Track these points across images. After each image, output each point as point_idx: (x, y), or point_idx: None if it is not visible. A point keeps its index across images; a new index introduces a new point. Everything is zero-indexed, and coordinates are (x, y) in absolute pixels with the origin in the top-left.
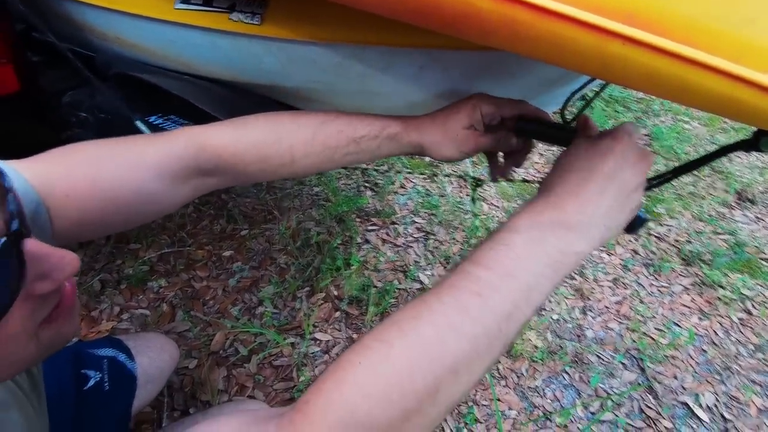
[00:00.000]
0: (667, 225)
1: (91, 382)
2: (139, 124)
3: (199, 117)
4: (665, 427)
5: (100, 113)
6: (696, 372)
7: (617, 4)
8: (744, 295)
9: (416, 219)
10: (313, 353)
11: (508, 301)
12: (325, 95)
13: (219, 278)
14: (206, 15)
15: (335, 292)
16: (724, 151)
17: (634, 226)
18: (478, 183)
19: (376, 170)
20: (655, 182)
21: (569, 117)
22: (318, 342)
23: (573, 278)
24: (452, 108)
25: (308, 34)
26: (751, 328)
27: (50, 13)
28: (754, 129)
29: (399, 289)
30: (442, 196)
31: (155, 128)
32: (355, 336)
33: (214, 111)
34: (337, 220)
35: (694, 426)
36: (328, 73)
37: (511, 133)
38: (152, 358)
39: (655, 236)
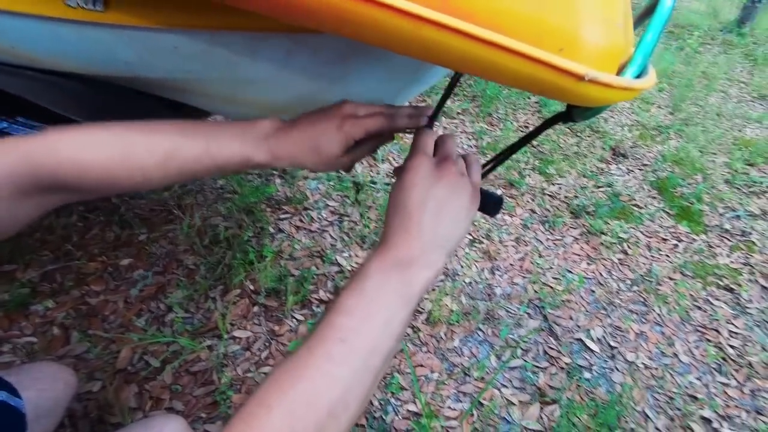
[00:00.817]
0: (558, 184)
1: None
2: None
3: (50, 117)
4: (565, 363)
5: None
6: (587, 311)
7: None
8: (621, 238)
9: (329, 202)
10: (233, 352)
11: (369, 339)
12: (196, 85)
13: (118, 290)
14: (39, 1)
15: (251, 287)
16: (545, 125)
17: (491, 209)
18: (358, 188)
19: None
20: (488, 169)
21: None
22: (237, 340)
23: (481, 242)
24: (321, 134)
25: (161, 21)
26: (628, 265)
27: None
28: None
29: (317, 274)
30: (353, 176)
31: (1, 134)
32: (276, 328)
33: (67, 109)
34: (246, 212)
35: (588, 357)
36: (193, 61)
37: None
38: (43, 390)
39: (549, 195)
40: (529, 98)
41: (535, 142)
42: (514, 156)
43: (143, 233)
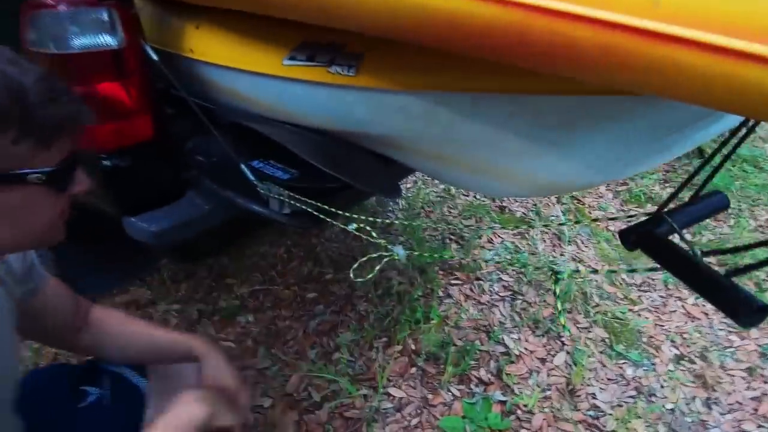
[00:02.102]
0: None
1: (91, 398)
2: (243, 168)
3: (292, 161)
4: None
5: (212, 158)
6: None
7: (751, 21)
8: None
9: (503, 276)
10: (384, 409)
11: None
12: (412, 142)
13: (301, 319)
14: (309, 69)
15: (413, 346)
16: None
17: (745, 318)
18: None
19: (462, 223)
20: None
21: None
22: (391, 398)
23: (692, 362)
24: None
25: (400, 84)
26: None
27: (183, 72)
28: None
29: (480, 350)
30: (533, 253)
31: (256, 172)
32: (430, 396)
33: (309, 156)
34: (420, 271)
35: None
36: (416, 120)
37: None
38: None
39: None
40: None
41: None
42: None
43: (329, 273)
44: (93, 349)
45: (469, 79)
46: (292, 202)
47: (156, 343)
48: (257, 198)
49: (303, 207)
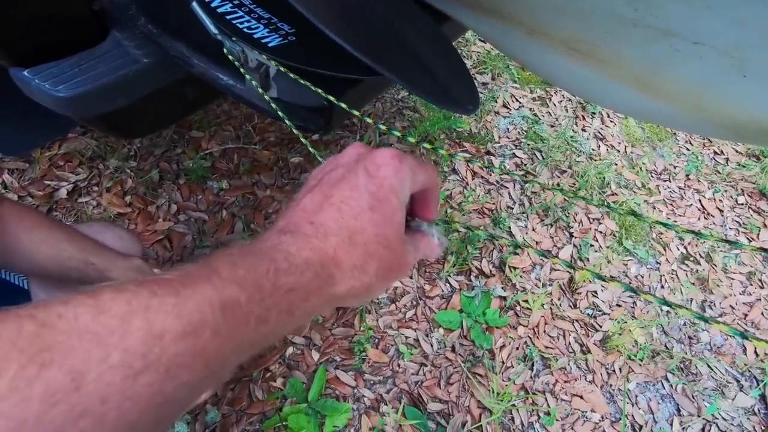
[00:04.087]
0: None
1: None
2: (195, 7)
3: (285, 10)
4: None
5: None
6: None
7: None
8: None
9: (517, 152)
10: (378, 299)
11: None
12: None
13: (284, 188)
14: None
15: None
16: None
17: None
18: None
19: (477, 78)
20: None
21: None
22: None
23: (697, 262)
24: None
25: None
26: None
27: None
28: None
29: (485, 240)
30: (553, 126)
31: (221, 19)
32: (427, 287)
33: (317, 14)
34: (425, 138)
35: None
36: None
37: None
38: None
39: None
40: None
41: None
42: None
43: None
44: None
45: None
46: (274, 82)
47: (72, 258)
48: (225, 64)
49: (296, 98)
